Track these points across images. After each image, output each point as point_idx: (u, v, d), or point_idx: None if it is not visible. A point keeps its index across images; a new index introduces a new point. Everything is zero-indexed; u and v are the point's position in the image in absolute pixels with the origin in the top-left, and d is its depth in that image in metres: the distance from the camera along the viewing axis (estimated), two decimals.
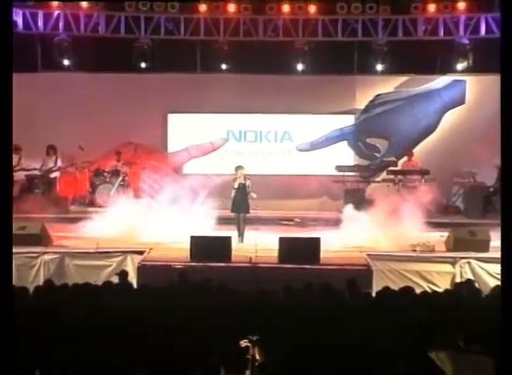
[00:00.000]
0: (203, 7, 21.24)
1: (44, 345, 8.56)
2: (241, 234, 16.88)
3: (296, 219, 19.48)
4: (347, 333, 9.13)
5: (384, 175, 21.11)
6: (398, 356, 8.15)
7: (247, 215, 17.08)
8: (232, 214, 17.13)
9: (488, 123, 20.98)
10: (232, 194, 16.94)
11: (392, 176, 20.54)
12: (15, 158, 20.72)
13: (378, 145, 22.59)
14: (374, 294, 12.54)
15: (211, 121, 22.64)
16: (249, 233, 17.00)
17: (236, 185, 16.92)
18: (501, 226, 7.90)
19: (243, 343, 8.29)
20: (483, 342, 7.80)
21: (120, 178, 20.00)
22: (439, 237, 16.13)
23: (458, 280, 14.19)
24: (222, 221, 17.45)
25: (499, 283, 13.69)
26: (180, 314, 9.84)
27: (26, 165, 20.78)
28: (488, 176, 20.66)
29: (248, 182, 16.90)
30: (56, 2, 21.09)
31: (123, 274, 13.23)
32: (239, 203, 16.90)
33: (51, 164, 20.53)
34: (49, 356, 8.12)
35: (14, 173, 20.73)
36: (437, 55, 22.09)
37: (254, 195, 16.80)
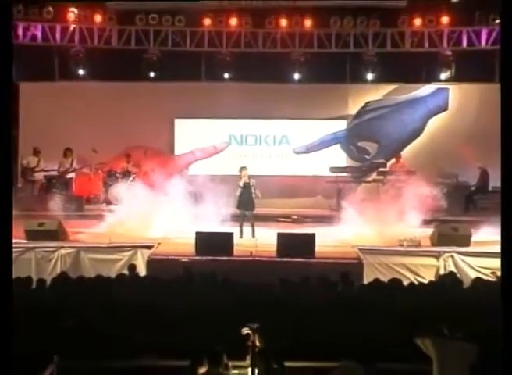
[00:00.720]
0: (207, 21, 21.34)
1: (60, 331, 8.61)
2: (252, 231, 16.95)
3: (293, 217, 19.50)
4: (340, 321, 9.17)
5: (374, 176, 21.15)
6: (387, 342, 8.21)
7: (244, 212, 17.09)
8: (234, 212, 17.15)
9: (470, 128, 21.11)
10: (238, 193, 16.97)
11: (381, 177, 20.56)
12: (35, 160, 20.84)
13: (368, 148, 22.62)
14: (365, 286, 12.62)
15: (215, 126, 22.67)
16: (249, 229, 17.00)
17: (241, 184, 16.97)
18: (501, 224, 7.66)
19: (245, 331, 8.32)
20: (465, 329, 7.83)
21: (131, 178, 20.00)
22: (424, 233, 16.13)
23: (442, 272, 14.23)
24: (225, 218, 17.46)
25: (479, 275, 13.76)
26: (186, 304, 9.88)
27: (44, 166, 20.81)
28: (470, 176, 20.74)
29: (253, 181, 16.95)
30: (72, 17, 21.12)
31: (132, 268, 13.28)
32: (245, 201, 16.94)
33: (67, 165, 20.55)
34: (66, 341, 8.16)
35: (34, 174, 20.86)
36: (422, 65, 22.17)
37: (260, 195, 16.84)
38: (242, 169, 17.18)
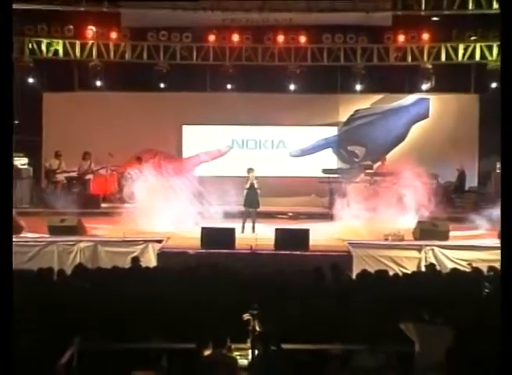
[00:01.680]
0: (212, 37, 21.31)
1: (81, 314, 8.62)
2: (252, 227, 16.85)
3: (289, 214, 19.48)
4: (332, 307, 9.19)
5: (362, 176, 21.12)
6: (374, 325, 8.22)
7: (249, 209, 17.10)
8: (237, 209, 17.16)
9: (448, 134, 21.13)
10: (245, 192, 16.94)
11: (368, 178, 20.53)
12: (56, 162, 20.84)
13: (357, 152, 22.63)
14: (354, 276, 12.65)
15: (219, 131, 22.65)
16: (250, 224, 16.97)
17: (248, 185, 16.93)
18: (501, 222, 7.30)
19: (245, 316, 8.34)
20: (443, 315, 7.85)
21: (143, 179, 19.97)
22: (407, 228, 16.13)
23: (423, 263, 14.19)
24: (228, 215, 17.47)
25: (456, 266, 13.74)
26: (192, 292, 9.89)
27: (65, 168, 20.83)
28: (449, 177, 20.75)
29: (257, 181, 16.95)
30: (90, 34, 21.15)
31: (136, 260, 13.22)
32: (251, 200, 16.88)
33: (85, 167, 20.52)
34: (87, 323, 8.16)
35: (56, 175, 20.85)
36: (405, 77, 22.21)
37: (258, 191, 16.88)
38: (249, 170, 17.13)
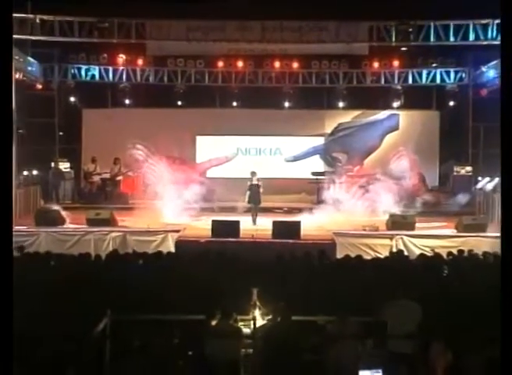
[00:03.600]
0: (220, 63, 21.35)
1: (114, 292, 8.61)
2: (254, 219, 16.73)
3: (284, 208, 19.45)
4: (320, 287, 9.17)
5: (344, 178, 21.07)
6: (354, 301, 8.19)
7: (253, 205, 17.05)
8: (241, 205, 17.13)
9: (415, 143, 21.06)
10: (248, 191, 16.80)
11: (349, 179, 20.47)
12: (92, 166, 20.85)
13: (340, 158, 22.57)
14: (337, 260, 12.61)
15: (226, 141, 22.61)
16: (250, 218, 16.93)
17: (251, 184, 16.84)
18: (501, 222, 6.88)
19: (249, 294, 8.31)
20: (410, 293, 7.82)
21: (164, 181, 19.92)
22: (381, 220, 16.12)
23: (394, 250, 14.17)
24: (233, 210, 17.47)
25: (421, 251, 13.71)
26: (203, 273, 9.87)
27: (100, 171, 20.84)
28: (413, 178, 20.63)
29: (260, 182, 16.90)
30: (121, 61, 21.19)
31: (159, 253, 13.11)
32: (254, 197, 16.77)
33: (116, 170, 20.47)
34: (117, 299, 8.14)
35: (92, 177, 20.85)
36: (380, 96, 22.14)
37: (259, 190, 16.82)
38: (252, 173, 17.03)
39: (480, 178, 20.58)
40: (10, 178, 5.53)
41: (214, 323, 7.48)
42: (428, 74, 21.61)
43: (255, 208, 16.89)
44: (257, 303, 8.06)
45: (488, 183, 19.19)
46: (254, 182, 16.83)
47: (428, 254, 13.08)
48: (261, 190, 16.84)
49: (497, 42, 15.66)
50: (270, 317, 7.68)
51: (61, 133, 22.51)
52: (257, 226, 16.27)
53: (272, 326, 7.44)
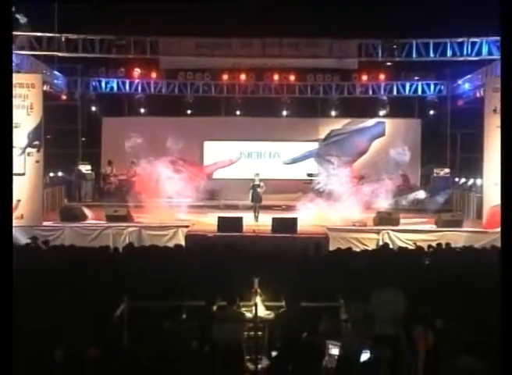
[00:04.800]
0: (225, 76, 21.33)
1: (129, 280, 8.62)
2: (257, 216, 16.67)
3: (282, 206, 19.41)
4: (314, 274, 9.18)
5: (336, 179, 21.00)
6: (344, 287, 8.19)
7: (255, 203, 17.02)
8: (243, 203, 17.10)
9: (398, 148, 21.05)
10: (251, 191, 16.77)
11: (341, 180, 20.37)
12: (109, 168, 20.91)
13: (332, 160, 22.50)
14: (330, 252, 12.63)
15: (231, 146, 22.58)
16: (252, 214, 16.93)
17: (254, 184, 16.81)
18: (501, 222, 6.35)
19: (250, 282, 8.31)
20: (394, 281, 7.82)
21: (174, 181, 19.90)
22: (369, 217, 16.12)
23: (381, 243, 14.18)
24: (237, 207, 17.47)
25: (405, 245, 13.71)
26: (211, 264, 9.89)
27: (116, 173, 20.87)
28: (397, 179, 20.56)
29: (262, 183, 16.87)
30: (137, 74, 21.20)
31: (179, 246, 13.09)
32: (256, 196, 16.73)
33: (131, 172, 20.48)
34: (133, 287, 8.15)
35: (110, 178, 20.84)
36: (368, 106, 22.11)
37: (260, 190, 16.76)
38: (256, 175, 17.00)
39: (457, 179, 20.63)
40: (10, 178, 5.39)
41: (219, 308, 7.49)
42: (411, 86, 21.63)
43: (257, 206, 16.86)
44: (258, 291, 8.06)
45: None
46: (257, 182, 16.81)
47: (411, 247, 13.09)
48: (263, 189, 16.81)
49: (472, 58, 15.67)
50: (277, 303, 7.69)
51: (83, 139, 22.54)
52: (258, 222, 16.26)
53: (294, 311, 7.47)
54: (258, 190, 16.71)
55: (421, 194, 19.36)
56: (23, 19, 14.95)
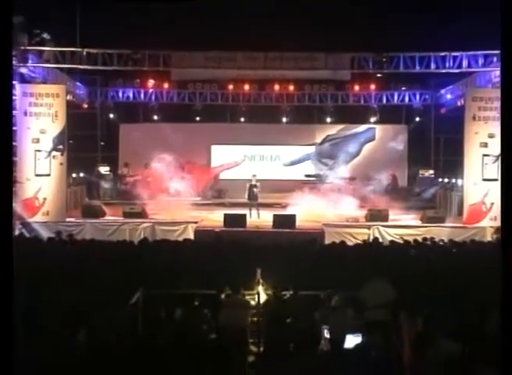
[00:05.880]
0: (231, 86, 21.26)
1: (144, 270, 8.62)
2: (257, 213, 16.62)
3: (282, 204, 19.34)
4: (311, 267, 9.18)
5: (331, 179, 21.01)
6: (337, 278, 8.18)
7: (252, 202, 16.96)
8: (247, 201, 17.11)
9: (387, 151, 21.07)
10: (248, 190, 16.80)
11: (336, 180, 20.37)
12: (125, 170, 20.95)
13: (328, 162, 22.57)
14: (325, 246, 12.61)
15: (236, 149, 22.56)
16: (255, 212, 16.85)
17: (251, 185, 16.80)
18: (501, 222, 5.96)
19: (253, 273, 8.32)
20: (383, 271, 7.82)
21: (185, 182, 19.90)
22: (361, 214, 16.09)
23: (371, 237, 14.16)
24: (242, 205, 17.44)
25: (393, 239, 13.66)
26: (218, 256, 9.89)
27: (131, 173, 20.86)
28: (387, 179, 20.53)
29: (258, 183, 16.86)
30: (150, 85, 21.17)
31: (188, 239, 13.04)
32: (252, 195, 16.73)
33: (146, 173, 20.47)
34: (148, 276, 8.14)
35: (126, 179, 20.85)
36: (360, 113, 22.05)
37: (256, 189, 16.73)
38: (253, 175, 17.06)
39: (440, 179, 20.64)
40: (10, 177, 5.08)
41: (225, 296, 7.49)
42: (399, 96, 21.62)
43: (253, 203, 16.77)
44: (261, 281, 8.07)
45: None
46: (253, 182, 16.80)
47: (399, 240, 13.07)
48: (259, 189, 16.78)
49: (453, 70, 15.65)
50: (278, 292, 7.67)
51: (102, 143, 22.57)
52: (260, 219, 16.25)
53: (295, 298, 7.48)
54: (255, 189, 16.70)
55: None
56: (48, 37, 15.01)
